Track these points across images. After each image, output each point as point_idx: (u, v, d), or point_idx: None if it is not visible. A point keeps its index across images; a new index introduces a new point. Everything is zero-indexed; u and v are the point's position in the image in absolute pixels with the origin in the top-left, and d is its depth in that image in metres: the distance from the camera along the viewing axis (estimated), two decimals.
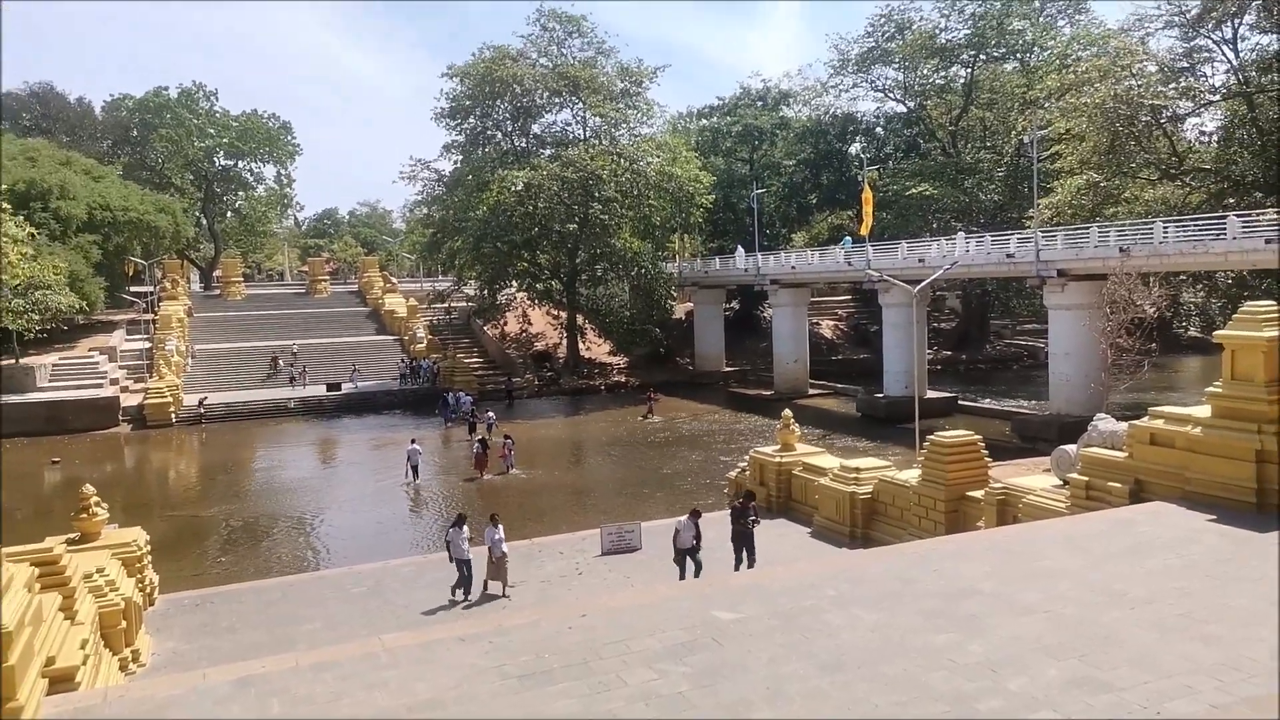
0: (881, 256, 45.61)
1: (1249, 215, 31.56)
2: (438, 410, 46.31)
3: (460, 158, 61.29)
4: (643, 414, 44.83)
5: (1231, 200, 37.28)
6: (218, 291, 74.41)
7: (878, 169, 59.54)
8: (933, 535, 16.07)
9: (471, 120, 60.62)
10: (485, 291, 58.77)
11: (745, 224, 65.05)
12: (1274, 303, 13.22)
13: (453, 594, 16.17)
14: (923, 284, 31.26)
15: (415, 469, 31.84)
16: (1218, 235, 31.11)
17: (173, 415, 45.43)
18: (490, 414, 41.53)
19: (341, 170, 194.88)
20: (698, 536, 16.65)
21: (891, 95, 68.53)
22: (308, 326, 63.00)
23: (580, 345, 59.43)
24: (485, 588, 16.49)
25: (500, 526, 16.56)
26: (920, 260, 42.57)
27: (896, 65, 65.13)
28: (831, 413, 46.55)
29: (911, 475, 18.67)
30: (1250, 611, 8.61)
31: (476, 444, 33.55)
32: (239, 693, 7.47)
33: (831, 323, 69.82)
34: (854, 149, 69.21)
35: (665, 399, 47.29)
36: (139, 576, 15.42)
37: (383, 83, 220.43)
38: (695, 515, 17.02)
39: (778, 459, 21.91)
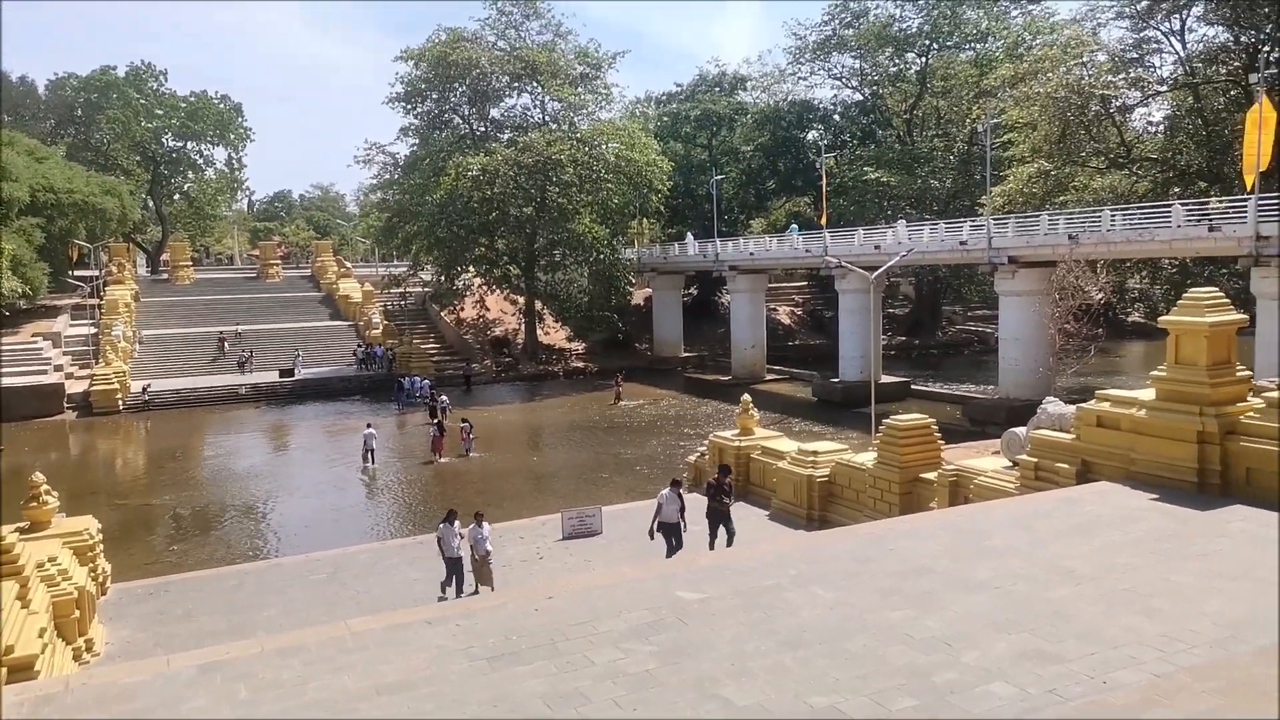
0: (838, 243, 46.12)
1: (1193, 204, 32.49)
2: (393, 395, 46.01)
3: (416, 141, 60.57)
4: (611, 400, 44.99)
5: (1177, 189, 38.37)
6: (165, 276, 72.72)
7: (834, 156, 60.08)
8: (888, 516, 16.41)
9: (428, 104, 59.95)
10: (442, 277, 58.25)
11: (704, 210, 65.29)
12: (1216, 289, 13.69)
13: (442, 591, 15.78)
14: (879, 270, 31.71)
15: (371, 453, 31.79)
16: (1163, 224, 31.99)
17: (120, 402, 44.45)
18: (444, 398, 41.38)
19: (294, 153, 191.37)
20: (682, 509, 16.23)
21: (848, 83, 69.20)
22: (259, 311, 61.91)
23: (538, 331, 59.26)
24: (475, 589, 16.20)
25: (486, 525, 16.13)
26: (876, 247, 43.14)
27: (853, 53, 65.73)
28: (788, 397, 47.06)
29: (867, 458, 19.02)
30: (1192, 586, 8.98)
31: (433, 427, 33.58)
32: (204, 678, 7.44)
33: (788, 309, 70.46)
34: (811, 136, 69.71)
35: (624, 385, 47.43)
36: (91, 565, 15.17)
37: (337, 64, 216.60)
38: (677, 485, 16.54)
39: (736, 443, 22.16)
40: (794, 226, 55.42)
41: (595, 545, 18.53)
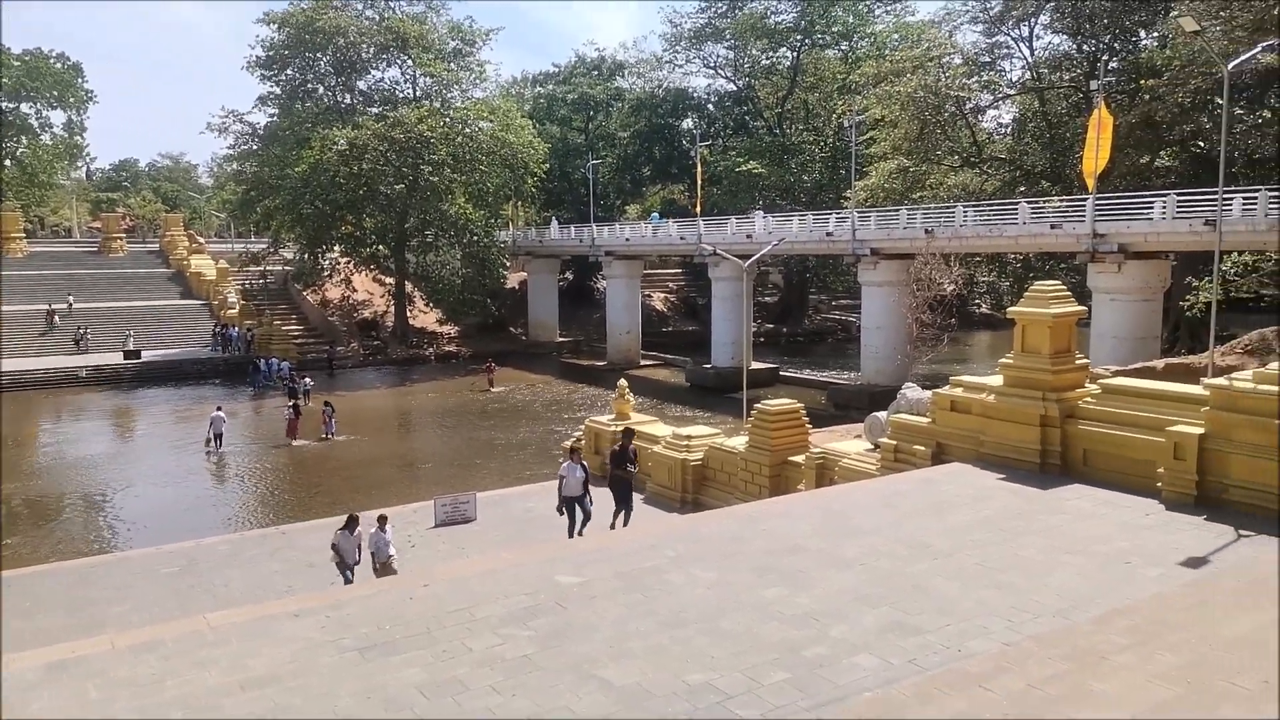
0: (712, 231, 46.95)
1: (1037, 202, 34.75)
2: (248, 377, 44.10)
3: (277, 111, 57.74)
4: (482, 385, 44.15)
5: (1022, 188, 40.89)
6: None
7: (709, 145, 61.04)
8: (759, 498, 16.88)
9: (290, 71, 57.21)
10: (305, 255, 55.84)
11: (580, 194, 65.14)
12: (1059, 283, 14.70)
13: None
14: (751, 259, 32.46)
15: (219, 437, 30.57)
16: (1010, 221, 34.08)
17: None
18: (307, 379, 40.13)
19: (141, 119, 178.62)
20: (585, 481, 15.81)
21: (722, 73, 70.33)
22: (101, 288, 57.72)
23: (409, 313, 57.75)
24: None
25: (389, 528, 15.23)
26: (748, 236, 44.16)
27: (728, 44, 66.86)
28: (663, 383, 47.68)
29: (739, 442, 19.49)
30: (1036, 560, 9.65)
31: (289, 409, 32.61)
32: (50, 678, 6.91)
33: (663, 295, 71.31)
34: (686, 124, 70.58)
35: (499, 369, 46.88)
36: None
37: (190, 24, 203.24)
38: (577, 454, 16.16)
39: (612, 428, 22.24)
40: (655, 215, 56.35)
41: (470, 532, 18.28)
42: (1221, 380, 11.84)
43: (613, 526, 16.17)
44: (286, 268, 60.03)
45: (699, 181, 49.96)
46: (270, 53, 55.85)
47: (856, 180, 44.32)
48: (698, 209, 48.65)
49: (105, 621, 13.32)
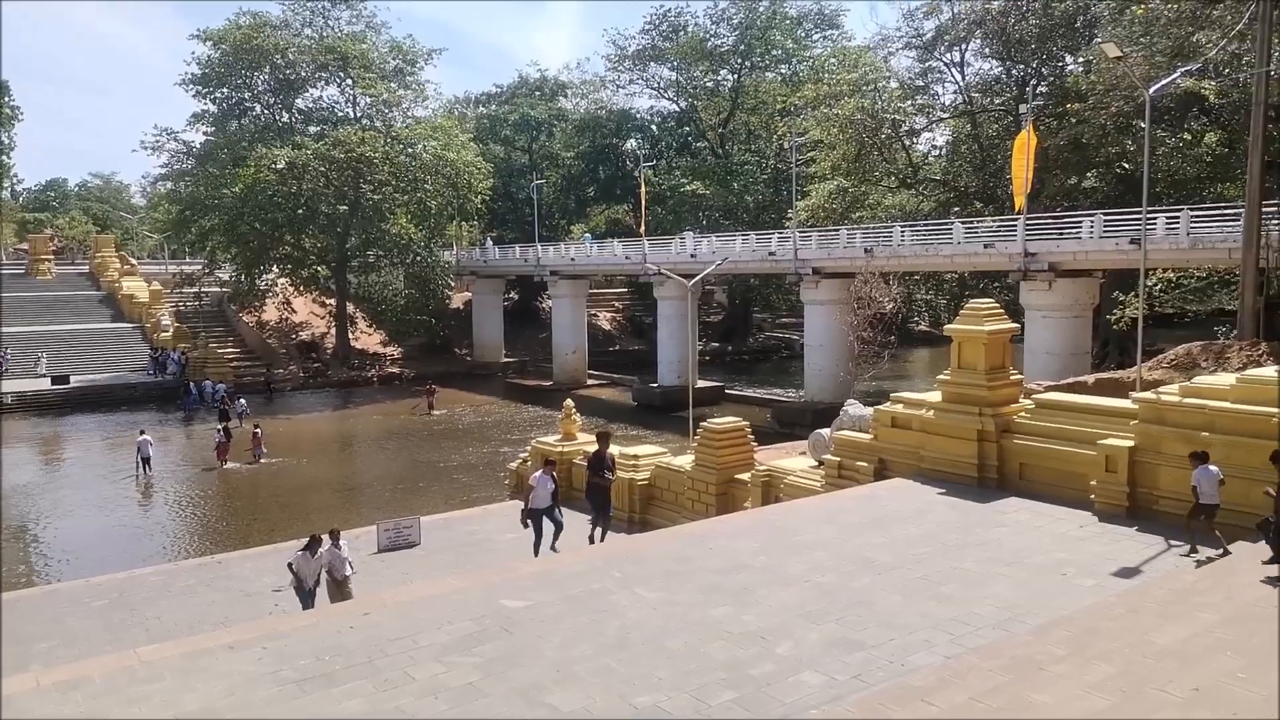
0: (657, 251, 47.20)
1: (971, 222, 35.66)
2: (178, 400, 43.14)
3: (212, 129, 56.57)
4: (423, 409, 43.30)
5: (957, 209, 41.91)
6: None
7: (652, 165, 61.48)
8: (705, 516, 16.91)
9: (226, 89, 56.15)
10: (242, 276, 54.65)
11: (524, 214, 65.01)
12: (992, 301, 15.09)
13: None
14: (696, 278, 32.72)
15: (146, 462, 29.89)
16: (946, 240, 34.91)
17: None
18: (241, 401, 39.52)
19: (70, 137, 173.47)
20: (555, 493, 15.08)
21: (665, 94, 70.99)
22: (28, 312, 55.65)
23: (350, 335, 56.84)
24: None
25: (345, 543, 14.67)
26: (693, 255, 44.50)
27: (670, 65, 67.52)
28: (609, 402, 47.62)
29: (685, 461, 19.53)
30: (976, 573, 9.84)
31: (219, 431, 32.18)
32: None
33: (609, 314, 71.36)
34: (630, 144, 71.06)
35: (442, 390, 46.31)
36: None
37: (121, 41, 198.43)
38: (551, 465, 15.48)
39: (559, 448, 22.12)
40: (586, 235, 56.78)
41: (414, 557, 17.96)
42: (1149, 394, 12.26)
43: (591, 539, 15.54)
44: (222, 289, 58.65)
45: (643, 201, 50.28)
46: (205, 70, 54.80)
47: (798, 200, 44.99)
48: (642, 229, 48.90)
49: (31, 658, 12.74)
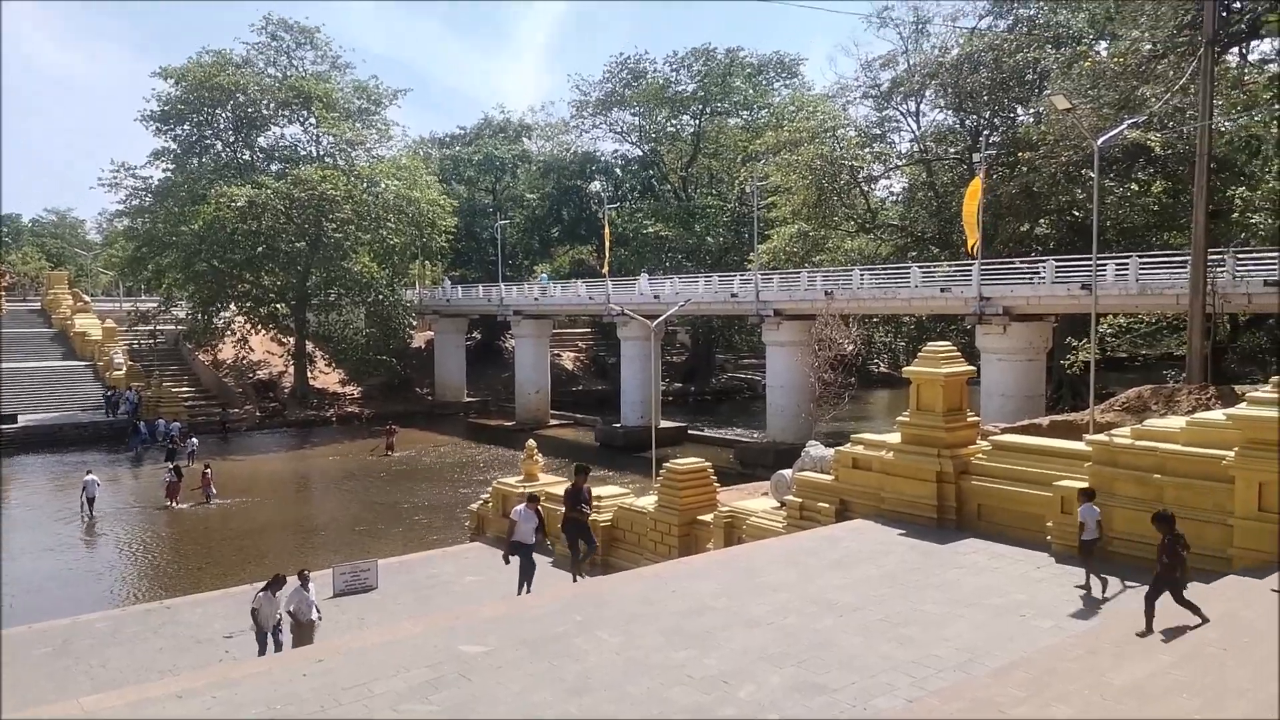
0: (620, 291, 47.44)
1: (928, 266, 36.39)
2: (126, 439, 42.23)
3: (173, 166, 56.06)
4: (381, 450, 42.66)
5: (914, 253, 42.79)
6: None
7: (616, 207, 62.02)
8: (668, 558, 16.83)
9: (187, 127, 55.78)
10: (199, 314, 53.86)
11: (488, 253, 65.11)
12: (949, 343, 15.35)
13: None
14: (659, 319, 32.88)
15: (91, 502, 29.27)
16: (903, 284, 35.55)
17: None
18: (192, 440, 38.97)
19: (25, 173, 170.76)
20: (539, 528, 14.57)
21: (628, 138, 71.91)
22: None
23: (309, 374, 56.10)
24: None
25: (312, 586, 14.28)
26: (656, 297, 44.78)
27: (633, 110, 68.52)
28: (572, 442, 47.40)
29: (648, 502, 19.45)
30: (936, 614, 9.88)
31: (169, 471, 31.74)
32: None
33: (572, 354, 71.31)
34: (594, 186, 71.72)
35: (403, 430, 45.79)
36: None
37: (79, 77, 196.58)
38: (535, 501, 14.97)
39: (520, 489, 21.92)
40: (544, 275, 57.14)
41: (371, 601, 17.60)
42: (1102, 437, 12.50)
43: (575, 577, 14.98)
44: (178, 327, 57.72)
45: (607, 243, 50.66)
46: (166, 107, 54.45)
47: (759, 243, 45.61)
48: (606, 269, 49.17)
49: None
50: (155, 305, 59.02)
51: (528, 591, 14.84)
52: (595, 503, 19.86)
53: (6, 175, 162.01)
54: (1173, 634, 8.04)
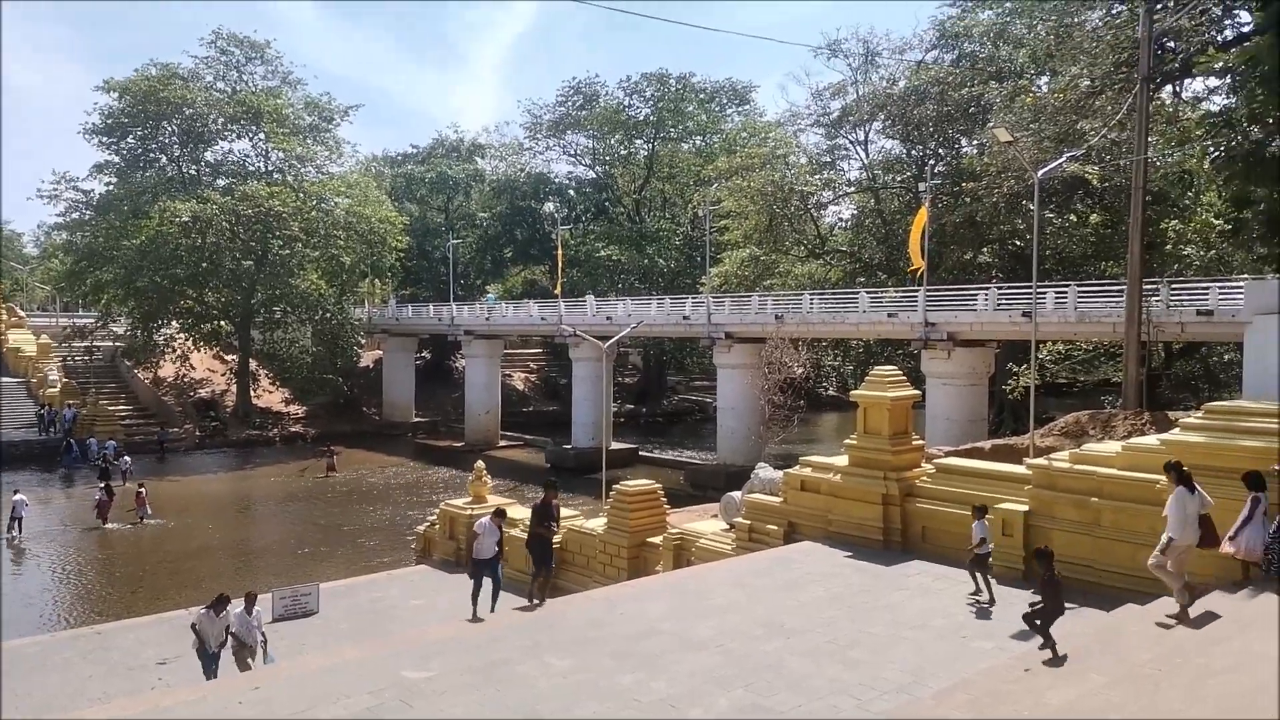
0: (572, 312, 47.40)
1: (876, 292, 37.01)
2: (59, 457, 40.97)
3: (115, 180, 54.75)
4: (320, 470, 41.75)
5: (862, 279, 43.48)
6: None
7: (569, 229, 62.11)
8: (617, 580, 16.76)
9: (131, 140, 54.60)
10: (139, 330, 52.46)
11: (440, 273, 64.61)
12: (896, 368, 15.61)
13: None
14: (611, 340, 32.88)
15: (18, 522, 28.41)
16: (852, 309, 36.10)
17: None
18: (126, 458, 38.01)
19: None
20: (500, 543, 13.78)
21: (582, 161, 72.17)
22: None
23: (252, 393, 54.91)
24: None
25: (258, 609, 13.92)
26: (608, 318, 44.82)
27: (587, 133, 68.84)
28: (522, 464, 47.04)
29: (598, 524, 19.37)
30: (882, 636, 9.97)
31: (100, 490, 31.03)
32: None
33: (524, 375, 70.91)
34: (548, 207, 71.74)
35: (349, 451, 45.00)
36: None
37: (17, 87, 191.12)
38: (500, 515, 14.16)
39: (469, 511, 21.68)
40: (490, 295, 56.95)
41: (312, 626, 17.21)
42: (1042, 461, 12.79)
43: (530, 598, 13.71)
44: (116, 344, 56.13)
45: (560, 264, 50.64)
46: (109, 120, 53.26)
47: (711, 267, 45.98)
48: (559, 290, 49.13)
49: None
50: (93, 321, 57.33)
51: (491, 610, 14.26)
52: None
53: None
54: (1108, 656, 8.22)
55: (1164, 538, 9.14)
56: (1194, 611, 8.99)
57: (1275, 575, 9.17)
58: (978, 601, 11.25)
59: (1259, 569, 9.42)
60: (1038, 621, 8.65)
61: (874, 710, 7.89)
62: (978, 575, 11.44)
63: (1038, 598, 8.91)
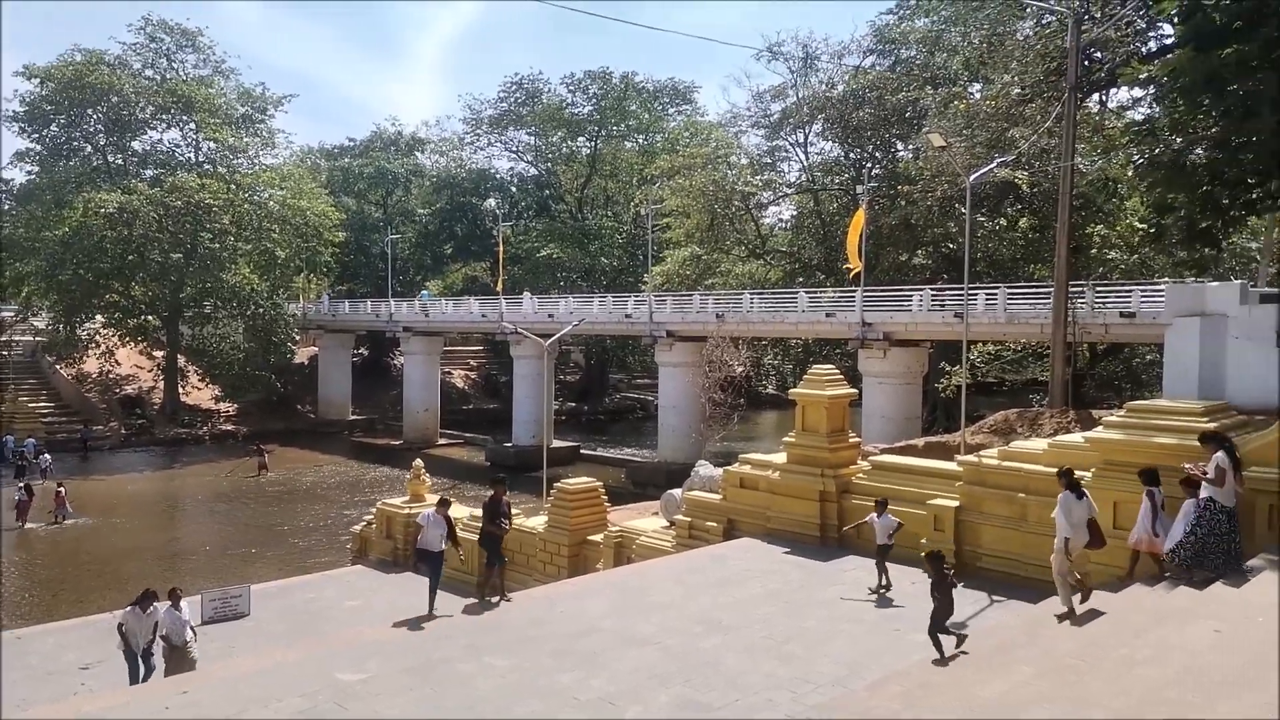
0: (514, 310, 47.10)
1: (814, 293, 37.54)
2: None
3: (36, 168, 52.70)
4: (248, 469, 40.77)
5: (801, 279, 44.04)
6: None
7: (511, 225, 61.67)
8: (558, 578, 16.71)
9: (54, 128, 52.61)
10: (61, 325, 50.55)
11: (378, 268, 63.58)
12: (833, 367, 15.85)
13: None
14: (553, 338, 32.78)
15: None
16: (791, 309, 36.56)
17: None
18: (45, 456, 36.71)
19: None
20: (449, 534, 13.31)
21: (524, 157, 71.72)
22: None
23: (180, 389, 53.33)
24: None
25: (185, 604, 13.45)
26: (550, 316, 44.64)
27: (529, 130, 68.42)
28: (462, 462, 46.59)
29: (538, 522, 19.30)
30: (818, 631, 10.13)
31: (19, 490, 30.15)
32: None
33: (463, 372, 70.16)
34: (489, 203, 71.16)
35: (283, 449, 44.02)
36: None
37: None
38: (445, 505, 13.68)
39: (406, 510, 21.38)
40: (425, 292, 56.47)
41: (242, 628, 16.79)
42: (972, 458, 13.13)
43: (485, 596, 13.12)
44: (38, 338, 54.01)
45: (501, 261, 50.23)
46: (30, 108, 51.22)
47: (653, 265, 46.08)
48: (500, 287, 48.76)
49: None
50: (12, 314, 55.09)
51: (429, 608, 13.87)
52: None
53: None
54: (1035, 648, 8.47)
55: (1059, 539, 9.48)
56: (1118, 603, 9.31)
57: (1187, 567, 9.56)
58: (879, 592, 11.62)
59: (1169, 560, 9.78)
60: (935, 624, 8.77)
61: (809, 703, 8.02)
62: (885, 567, 11.83)
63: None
